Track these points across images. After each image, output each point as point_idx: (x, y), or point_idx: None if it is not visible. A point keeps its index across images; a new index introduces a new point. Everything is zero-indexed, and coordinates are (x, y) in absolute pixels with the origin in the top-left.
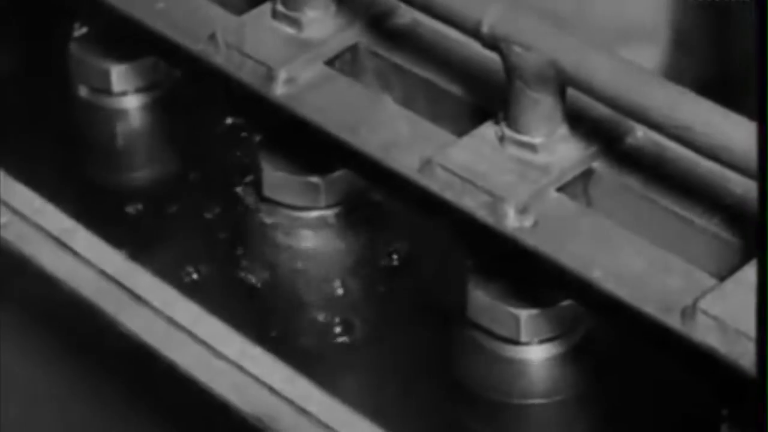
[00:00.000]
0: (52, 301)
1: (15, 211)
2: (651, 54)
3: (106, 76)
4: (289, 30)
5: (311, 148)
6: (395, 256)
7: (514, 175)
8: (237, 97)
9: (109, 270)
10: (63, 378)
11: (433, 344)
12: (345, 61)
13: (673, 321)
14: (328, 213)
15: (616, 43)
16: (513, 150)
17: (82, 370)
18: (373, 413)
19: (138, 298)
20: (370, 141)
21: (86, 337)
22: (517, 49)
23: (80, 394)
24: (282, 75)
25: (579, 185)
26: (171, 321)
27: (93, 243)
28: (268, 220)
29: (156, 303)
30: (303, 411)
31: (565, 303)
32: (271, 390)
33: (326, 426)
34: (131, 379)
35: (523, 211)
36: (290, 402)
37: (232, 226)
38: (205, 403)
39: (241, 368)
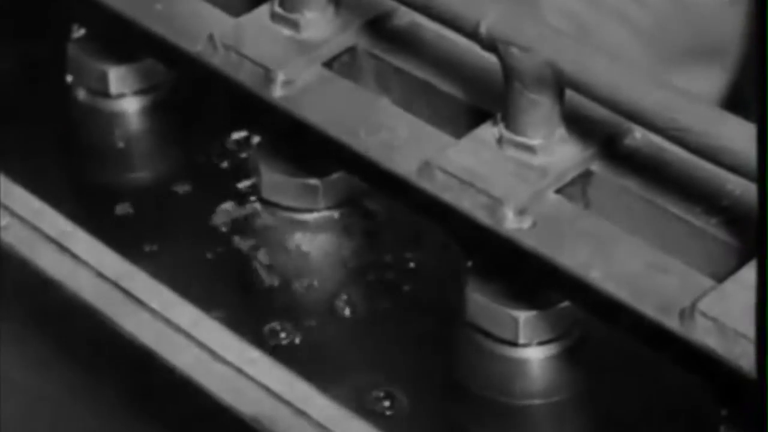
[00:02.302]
0: (52, 303)
1: (14, 214)
2: (719, 73)
3: (104, 78)
4: (287, 32)
5: (310, 150)
6: (394, 258)
7: (513, 176)
8: (235, 99)
9: (108, 273)
10: (62, 380)
11: (431, 345)
12: (343, 63)
13: (672, 322)
14: (327, 215)
15: (686, 60)
16: (511, 151)
17: (81, 372)
18: (371, 414)
19: (137, 300)
20: (368, 143)
21: (85, 339)
22: (515, 50)
23: (79, 396)
24: (280, 77)
25: (577, 187)
26: (170, 324)
27: (92, 246)
28: (267, 222)
29: (155, 306)
30: (302, 413)
31: (564, 304)
32: (270, 392)
33: (325, 428)
34: (130, 382)
35: (521, 212)
36: (289, 404)
37: (231, 228)
38: (204, 405)
39: (239, 371)
